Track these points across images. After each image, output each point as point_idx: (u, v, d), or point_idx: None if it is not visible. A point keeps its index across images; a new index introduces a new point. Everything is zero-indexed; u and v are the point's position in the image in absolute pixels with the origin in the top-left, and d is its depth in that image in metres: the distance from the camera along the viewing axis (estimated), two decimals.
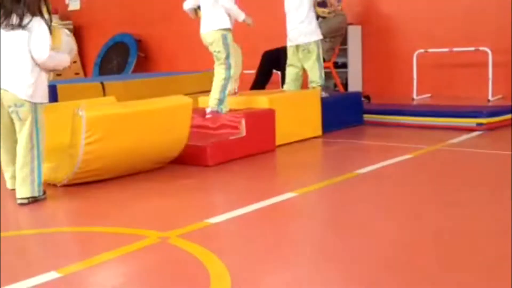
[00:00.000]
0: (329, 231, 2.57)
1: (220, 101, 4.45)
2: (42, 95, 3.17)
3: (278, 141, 4.57)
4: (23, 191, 3.13)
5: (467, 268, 2.03)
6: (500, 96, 6.72)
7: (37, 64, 3.11)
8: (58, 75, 10.12)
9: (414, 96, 7.41)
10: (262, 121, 4.43)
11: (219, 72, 4.48)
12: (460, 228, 2.48)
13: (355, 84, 7.98)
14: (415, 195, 3.09)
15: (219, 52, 4.42)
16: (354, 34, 8.03)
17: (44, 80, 3.19)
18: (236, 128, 4.27)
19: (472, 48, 6.93)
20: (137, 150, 3.61)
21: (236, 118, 4.31)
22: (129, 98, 4.50)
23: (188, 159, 3.96)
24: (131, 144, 3.54)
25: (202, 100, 5.09)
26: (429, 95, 7.55)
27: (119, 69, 9.93)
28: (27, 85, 3.08)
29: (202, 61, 8.93)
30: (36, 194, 3.15)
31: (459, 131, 4.89)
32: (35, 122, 3.12)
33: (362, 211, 2.84)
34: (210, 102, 4.49)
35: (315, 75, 5.29)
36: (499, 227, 2.45)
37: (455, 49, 7.09)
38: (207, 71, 7.10)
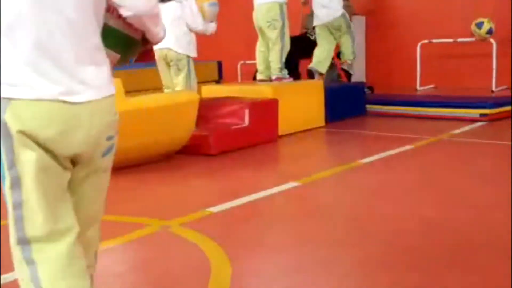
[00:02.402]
0: (331, 220, 2.57)
1: (281, 68, 4.92)
2: (194, 50, 4.30)
3: (282, 131, 4.56)
4: None
5: (469, 256, 2.04)
6: (504, 86, 6.68)
7: (190, 29, 4.20)
8: None
9: (418, 87, 7.39)
10: (266, 111, 4.43)
11: (276, 43, 4.87)
12: (461, 216, 2.48)
13: (358, 75, 7.95)
14: (417, 184, 3.09)
15: (276, 20, 4.80)
16: (358, 25, 7.98)
17: (194, 39, 4.29)
18: (240, 117, 4.26)
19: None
20: (143, 146, 3.60)
21: (239, 108, 4.30)
22: (132, 88, 4.50)
23: (191, 148, 3.97)
24: (137, 141, 3.51)
25: (205, 90, 5.09)
26: (432, 85, 7.53)
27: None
28: (186, 43, 4.21)
29: (205, 52, 8.91)
30: None
31: (462, 121, 4.88)
32: (189, 71, 4.27)
33: (365, 200, 2.84)
34: (273, 71, 4.97)
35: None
36: (499, 214, 2.45)
37: (459, 39, 7.05)
38: (209, 62, 7.09)
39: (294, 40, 5.48)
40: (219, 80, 6.95)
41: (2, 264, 2.09)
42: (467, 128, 4.64)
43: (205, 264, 2.03)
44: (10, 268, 2.04)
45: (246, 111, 4.25)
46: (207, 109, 4.47)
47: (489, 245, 2.14)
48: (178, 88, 4.32)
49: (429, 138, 4.27)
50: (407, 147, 3.98)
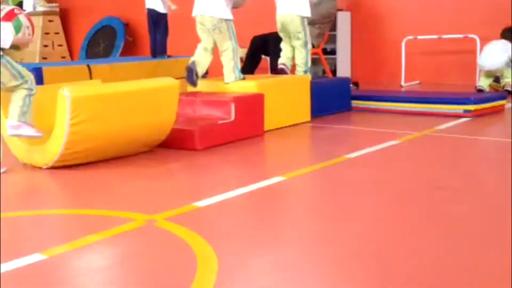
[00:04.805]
0: (317, 214, 2.57)
1: (305, 71, 5.31)
2: (231, 14, 4.65)
3: (267, 126, 4.55)
4: (231, 77, 4.72)
5: (453, 249, 2.05)
6: None
7: None
8: (44, 58, 9.99)
9: (403, 83, 7.43)
10: (251, 106, 4.41)
11: (301, 50, 5.26)
12: (445, 211, 2.49)
13: (343, 71, 7.98)
14: (402, 179, 3.10)
15: (299, 33, 5.21)
16: (344, 20, 8.01)
17: (230, 5, 4.69)
18: (225, 112, 4.24)
19: (460, 35, 6.95)
20: (124, 132, 3.57)
21: (225, 103, 4.28)
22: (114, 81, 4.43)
23: (176, 143, 3.94)
24: (117, 125, 3.50)
25: None
26: (417, 81, 7.58)
27: (106, 53, 9.82)
28: (224, 9, 4.59)
29: (189, 46, 8.87)
30: (238, 79, 4.73)
31: (446, 117, 4.92)
32: (232, 32, 4.63)
33: (351, 195, 2.84)
34: (297, 73, 5.35)
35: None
36: (485, 209, 2.47)
37: (444, 36, 7.10)
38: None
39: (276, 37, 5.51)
40: (205, 74, 6.90)
41: (2, 253, 2.05)
42: (451, 124, 4.68)
43: (191, 259, 2.01)
44: (10, 257, 2.01)
45: (232, 106, 4.23)
46: (192, 104, 4.44)
47: (484, 240, 2.15)
48: (224, 52, 4.67)
49: (414, 134, 4.29)
50: (393, 142, 3.99)
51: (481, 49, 6.66)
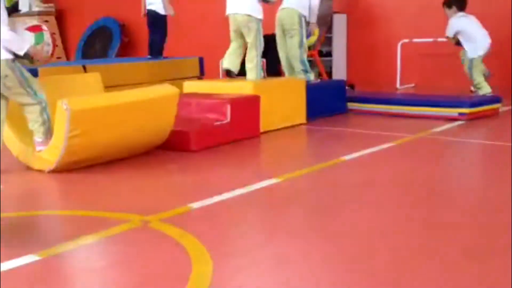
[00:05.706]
0: (313, 216, 2.57)
1: (305, 71, 5.33)
2: (261, 14, 4.86)
3: (263, 128, 4.56)
4: (252, 76, 4.90)
5: (452, 250, 2.05)
6: None
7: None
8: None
9: (398, 86, 7.46)
10: (247, 107, 4.41)
11: (294, 50, 5.31)
12: (443, 214, 2.50)
13: (339, 73, 7.99)
14: (399, 181, 3.11)
15: (294, 29, 5.25)
16: (339, 23, 8.03)
17: (261, 6, 4.90)
18: (221, 114, 4.24)
19: None
20: (122, 141, 3.55)
21: (221, 104, 4.28)
22: (112, 83, 4.43)
23: (172, 145, 3.93)
24: (116, 135, 3.47)
25: (187, 86, 5.06)
26: (412, 84, 7.60)
27: (102, 54, 9.80)
28: (256, 9, 4.83)
29: (185, 47, 8.87)
30: (258, 77, 4.92)
31: (441, 120, 4.93)
32: (259, 32, 4.86)
33: (347, 197, 2.84)
34: (297, 74, 5.36)
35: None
36: (482, 211, 2.48)
37: (440, 39, 7.12)
38: (191, 57, 7.05)
39: (274, 38, 5.51)
40: (201, 76, 6.91)
41: (2, 252, 2.04)
42: (446, 126, 4.70)
43: (186, 260, 2.01)
44: (6, 257, 2.01)
45: (228, 107, 4.23)
46: (189, 105, 4.44)
47: (483, 241, 2.16)
48: (250, 47, 4.88)
49: (410, 136, 4.31)
50: (388, 144, 4.00)
51: None
